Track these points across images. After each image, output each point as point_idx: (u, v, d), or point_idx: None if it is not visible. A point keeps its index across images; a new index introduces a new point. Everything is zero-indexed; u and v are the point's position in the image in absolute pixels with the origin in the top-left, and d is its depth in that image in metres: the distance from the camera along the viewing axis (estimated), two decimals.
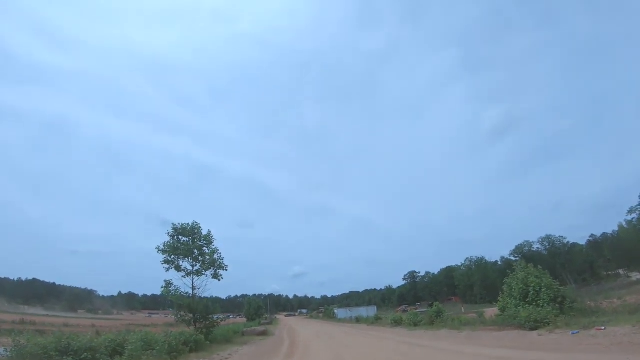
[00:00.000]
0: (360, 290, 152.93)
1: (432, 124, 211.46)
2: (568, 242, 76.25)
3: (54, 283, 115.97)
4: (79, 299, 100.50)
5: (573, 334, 9.15)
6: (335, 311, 67.62)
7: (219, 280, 19.78)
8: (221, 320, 21.83)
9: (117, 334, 10.27)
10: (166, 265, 18.51)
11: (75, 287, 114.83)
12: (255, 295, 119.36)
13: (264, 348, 16.72)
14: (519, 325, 12.51)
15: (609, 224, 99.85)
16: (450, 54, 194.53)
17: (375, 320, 36.81)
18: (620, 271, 67.17)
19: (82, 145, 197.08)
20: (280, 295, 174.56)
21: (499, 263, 79.70)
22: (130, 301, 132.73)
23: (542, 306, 12.93)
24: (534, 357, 7.64)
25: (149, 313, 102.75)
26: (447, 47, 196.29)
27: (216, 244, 20.37)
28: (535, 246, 77.24)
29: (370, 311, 57.21)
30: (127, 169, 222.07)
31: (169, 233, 19.08)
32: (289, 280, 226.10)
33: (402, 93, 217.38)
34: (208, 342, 15.07)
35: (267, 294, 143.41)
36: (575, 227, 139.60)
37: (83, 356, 8.09)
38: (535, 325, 11.69)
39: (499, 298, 16.44)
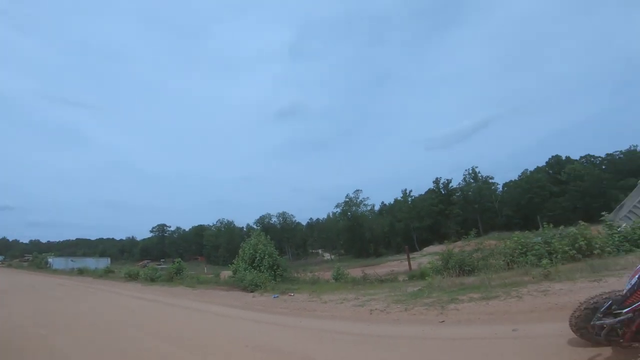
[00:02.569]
0: (93, 238, 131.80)
1: (240, 89, 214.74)
2: (295, 220, 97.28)
3: None
4: None
5: (274, 297, 11.81)
6: (50, 260, 55.12)
7: None
8: None
9: None
10: None
11: None
12: None
13: None
14: (244, 288, 14.58)
15: (326, 212, 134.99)
16: (286, 34, 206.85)
17: (105, 274, 33.15)
18: (320, 250, 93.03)
19: None
20: None
21: (245, 229, 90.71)
22: None
23: (262, 272, 15.85)
24: (242, 315, 9.34)
25: None
26: (287, 27, 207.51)
27: None
28: (273, 219, 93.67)
29: (101, 263, 50.92)
30: None
31: None
32: None
33: (227, 49, 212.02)
34: None
35: None
36: (305, 209, 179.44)
37: None
38: (254, 288, 14.22)
39: (234, 261, 18.25)
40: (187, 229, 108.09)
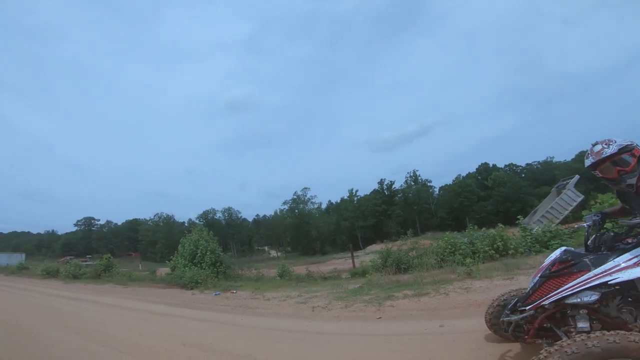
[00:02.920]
0: (5, 232, 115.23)
1: (188, 80, 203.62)
2: (241, 216, 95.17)
3: None
4: None
5: (215, 294, 11.49)
6: None
7: None
8: None
9: None
10: None
11: None
12: None
13: None
14: (183, 285, 13.98)
15: (273, 209, 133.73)
16: (244, 28, 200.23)
17: (18, 270, 29.67)
18: (266, 247, 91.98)
19: None
20: None
21: (186, 224, 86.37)
22: None
23: (204, 268, 15.31)
24: (181, 313, 8.97)
25: None
26: (246, 21, 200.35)
27: None
28: (218, 215, 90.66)
29: (14, 259, 44.89)
30: None
31: None
32: None
33: (179, 37, 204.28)
34: None
35: None
36: (250, 205, 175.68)
37: None
38: (194, 285, 13.68)
39: (172, 257, 17.51)
40: (119, 223, 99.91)
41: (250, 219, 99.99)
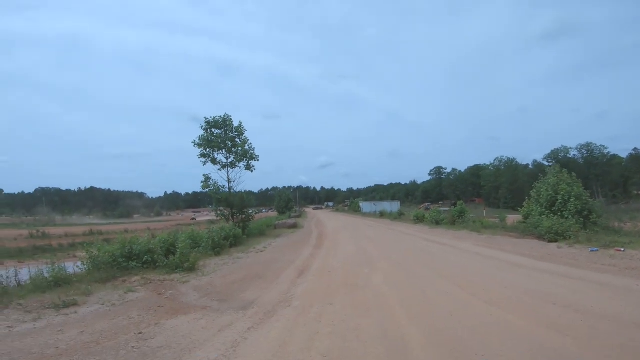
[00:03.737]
0: (385, 184, 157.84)
1: (471, 23, 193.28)
2: (608, 152, 71.40)
3: (109, 189, 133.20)
4: (133, 203, 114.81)
5: (592, 250, 9.25)
6: (360, 205, 70.97)
7: (252, 171, 20.62)
8: (255, 214, 23.20)
9: (169, 235, 11.52)
10: (203, 159, 19.41)
11: (129, 192, 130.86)
12: (284, 187, 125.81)
13: (295, 240, 18.58)
14: (539, 236, 12.65)
15: None
16: None
17: (398, 216, 38.62)
18: None
19: (101, 58, 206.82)
20: (308, 187, 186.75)
21: (530, 167, 77.12)
22: (175, 200, 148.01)
23: (566, 217, 12.80)
24: (545, 268, 8.00)
25: (192, 211, 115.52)
26: None
27: (246, 134, 20.74)
28: (572, 153, 73.21)
29: (393, 206, 59.26)
30: (150, 73, 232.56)
31: (202, 127, 19.56)
32: (315, 171, 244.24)
33: None
34: (245, 236, 16.59)
35: (295, 187, 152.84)
36: (619, 138, 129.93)
37: (145, 259, 9.14)
38: (555, 237, 11.80)
39: (524, 204, 16.09)
40: (462, 170, 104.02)
41: (623, 155, 73.74)
